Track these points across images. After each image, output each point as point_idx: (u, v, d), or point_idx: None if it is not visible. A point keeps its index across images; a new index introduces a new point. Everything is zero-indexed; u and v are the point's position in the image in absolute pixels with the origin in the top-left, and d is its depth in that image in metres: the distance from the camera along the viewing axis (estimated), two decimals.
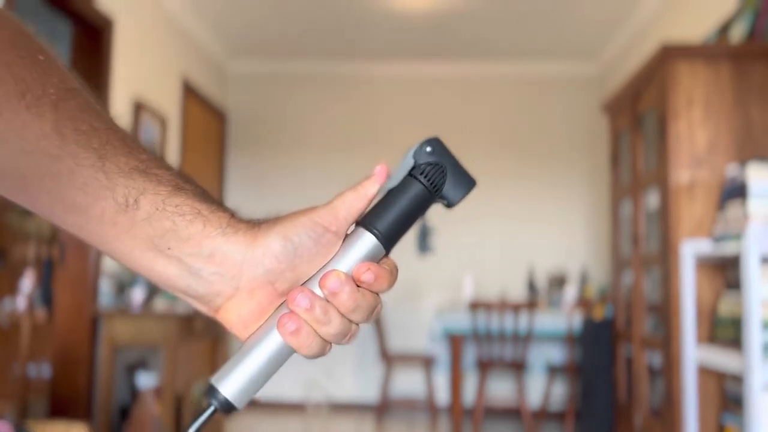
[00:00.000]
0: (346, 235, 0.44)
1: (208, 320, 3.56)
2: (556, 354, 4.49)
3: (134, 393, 3.33)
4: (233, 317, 0.43)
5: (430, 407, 4.47)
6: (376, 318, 0.45)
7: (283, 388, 4.91)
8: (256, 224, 0.42)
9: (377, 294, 0.44)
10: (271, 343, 0.42)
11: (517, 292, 4.80)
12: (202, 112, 4.67)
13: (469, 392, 4.64)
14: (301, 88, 5.17)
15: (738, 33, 2.79)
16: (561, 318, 3.89)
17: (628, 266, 3.16)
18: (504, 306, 3.77)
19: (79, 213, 0.39)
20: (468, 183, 0.47)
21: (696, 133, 2.51)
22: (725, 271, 2.49)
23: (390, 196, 0.45)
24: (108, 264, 3.35)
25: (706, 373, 2.44)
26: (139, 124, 3.64)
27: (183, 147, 4.29)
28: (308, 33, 4.61)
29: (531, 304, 3.80)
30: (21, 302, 3.11)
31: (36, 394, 3.44)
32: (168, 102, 4.08)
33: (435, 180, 0.46)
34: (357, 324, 0.44)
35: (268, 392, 4.91)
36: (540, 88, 5.06)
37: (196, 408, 3.50)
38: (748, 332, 1.98)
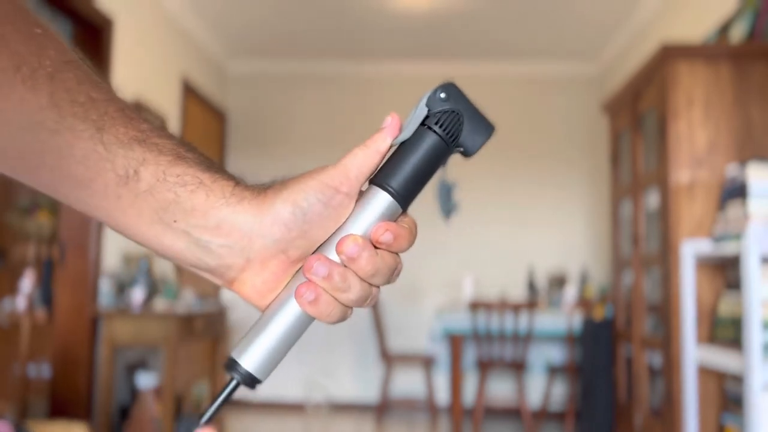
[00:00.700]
0: (360, 195, 0.42)
1: (208, 320, 3.56)
2: (556, 354, 4.49)
3: (134, 393, 3.33)
4: (248, 289, 0.42)
5: (430, 407, 4.47)
6: (395, 279, 0.43)
7: (283, 388, 4.91)
8: (262, 190, 0.41)
9: (397, 254, 0.42)
10: (290, 312, 0.41)
11: (517, 292, 4.80)
12: (201, 112, 4.67)
13: (469, 392, 4.64)
14: (301, 88, 5.17)
15: (738, 33, 2.79)
16: (561, 318, 3.89)
17: (628, 266, 3.16)
18: (504, 306, 3.77)
19: (82, 188, 0.38)
20: (486, 129, 0.44)
21: (696, 133, 2.51)
22: (725, 271, 2.49)
23: (403, 149, 0.42)
24: (108, 264, 3.35)
25: (706, 373, 2.44)
26: None
27: None
28: (308, 33, 4.61)
29: (531, 304, 3.80)
30: (21, 302, 3.11)
31: (36, 394, 3.44)
32: (168, 102, 4.08)
33: (451, 129, 0.42)
34: (378, 287, 0.42)
35: (268, 392, 4.91)
36: (540, 88, 5.06)
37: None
38: (748, 332, 1.98)
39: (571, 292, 4.14)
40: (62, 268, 3.22)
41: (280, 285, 0.42)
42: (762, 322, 1.97)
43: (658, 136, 2.64)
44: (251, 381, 0.41)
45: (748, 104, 2.50)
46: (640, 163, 2.96)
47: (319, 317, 0.41)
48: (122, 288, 3.34)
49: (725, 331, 2.35)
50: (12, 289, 3.49)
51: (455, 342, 3.88)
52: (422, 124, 0.42)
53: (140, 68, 3.75)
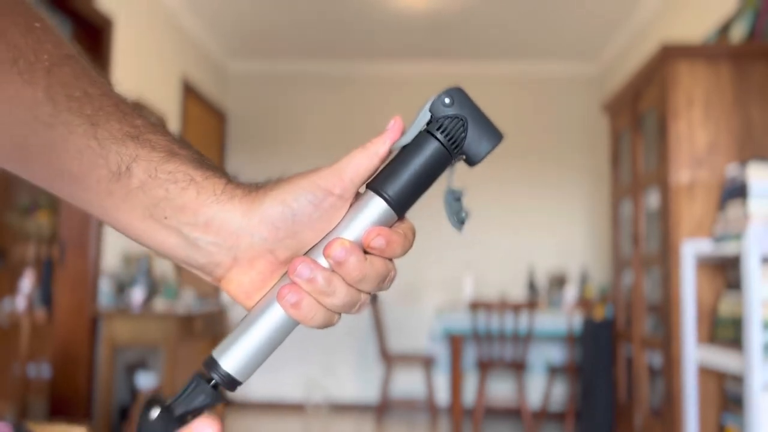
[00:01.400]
0: (356, 198, 0.41)
1: (207, 320, 3.56)
2: (556, 354, 4.49)
3: (134, 393, 3.33)
4: (234, 287, 0.41)
5: (430, 407, 4.47)
6: (388, 286, 0.42)
7: (283, 388, 4.91)
8: (254, 189, 0.40)
9: (390, 260, 0.41)
10: (273, 315, 0.40)
11: (517, 292, 4.80)
12: (201, 112, 4.67)
13: (469, 392, 4.64)
14: (301, 88, 5.16)
15: (738, 33, 2.79)
16: (561, 318, 3.89)
17: (628, 266, 3.16)
18: (504, 306, 3.77)
19: (76, 183, 0.38)
20: (493, 138, 0.42)
21: (696, 133, 2.51)
22: (725, 271, 2.49)
23: (403, 154, 0.41)
24: (108, 264, 3.35)
25: (706, 373, 2.44)
26: None
27: None
28: (308, 33, 4.61)
29: (531, 304, 3.80)
30: (21, 302, 3.11)
31: (36, 394, 3.44)
32: (168, 102, 4.08)
33: (454, 135, 0.41)
34: (368, 293, 0.41)
35: (268, 392, 4.91)
36: (540, 88, 5.06)
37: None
38: (748, 332, 1.98)
39: (571, 292, 4.14)
40: (62, 268, 3.22)
41: (267, 285, 0.41)
42: (762, 322, 1.97)
43: (658, 136, 2.64)
44: (230, 383, 0.40)
45: (748, 104, 2.50)
46: (640, 163, 2.96)
47: (302, 321, 0.40)
48: (122, 288, 3.34)
49: (725, 331, 2.35)
50: (12, 289, 3.49)
51: (455, 342, 3.88)
52: (425, 129, 0.41)
53: (140, 68, 3.75)
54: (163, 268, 3.75)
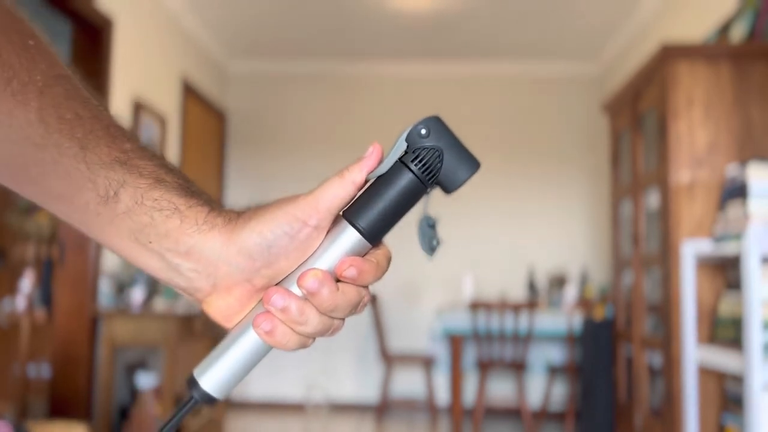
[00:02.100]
0: (332, 225, 0.42)
1: (207, 320, 3.55)
2: (556, 354, 4.49)
3: (134, 393, 3.33)
4: (214, 310, 0.43)
5: (430, 407, 4.47)
6: (362, 311, 0.43)
7: (283, 388, 4.91)
8: (234, 218, 0.41)
9: (363, 287, 0.43)
10: (249, 339, 0.42)
11: (517, 292, 4.80)
12: (201, 112, 4.67)
13: (469, 392, 4.64)
14: (301, 88, 5.16)
15: (738, 33, 2.79)
16: (561, 318, 3.89)
17: (628, 266, 3.16)
18: (504, 306, 3.77)
19: (63, 202, 0.39)
20: (470, 166, 0.42)
21: (696, 133, 2.51)
22: (725, 271, 2.49)
23: (378, 184, 0.41)
24: (108, 264, 3.35)
25: (706, 373, 2.44)
26: (139, 124, 3.64)
27: (183, 147, 4.28)
28: (308, 33, 4.61)
29: (531, 304, 3.80)
30: (21, 302, 3.11)
31: (36, 394, 3.44)
32: (168, 102, 4.08)
33: (429, 167, 0.41)
34: (341, 319, 0.43)
35: (268, 392, 4.91)
36: (540, 88, 5.06)
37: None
38: (748, 332, 1.98)
39: (571, 292, 4.14)
40: (62, 268, 3.22)
41: (244, 310, 0.43)
42: (762, 322, 1.97)
43: (658, 136, 2.64)
44: (208, 400, 0.42)
45: (748, 104, 2.50)
46: (640, 163, 2.96)
47: (276, 346, 0.42)
48: (122, 288, 3.34)
49: (725, 331, 2.35)
50: (12, 289, 3.49)
51: (455, 342, 3.88)
52: (400, 159, 0.42)
53: (140, 68, 3.75)
54: None
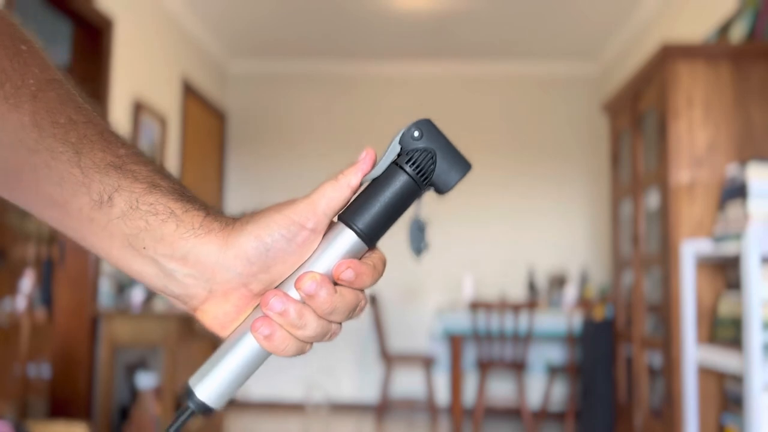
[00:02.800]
0: (328, 228, 0.42)
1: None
2: (556, 354, 4.49)
3: (134, 393, 3.33)
4: (210, 318, 0.42)
5: (430, 407, 4.47)
6: (360, 315, 0.43)
7: (283, 388, 4.91)
8: (230, 222, 0.41)
9: (360, 291, 0.42)
10: (247, 345, 0.41)
11: (517, 292, 4.80)
12: (201, 112, 4.67)
13: (469, 392, 4.64)
14: (301, 88, 5.17)
15: (738, 33, 2.79)
16: (561, 318, 3.89)
17: (628, 266, 3.16)
18: (504, 306, 3.77)
19: (57, 208, 0.39)
20: (462, 168, 0.43)
21: (696, 133, 2.51)
22: (725, 271, 2.49)
23: (374, 186, 0.42)
24: (108, 264, 3.34)
25: (706, 373, 2.44)
26: (139, 124, 3.64)
27: (183, 147, 4.29)
28: (308, 33, 4.61)
29: (531, 304, 3.80)
30: (21, 302, 3.11)
31: (36, 394, 3.44)
32: (168, 102, 4.08)
33: (423, 168, 0.42)
34: (338, 323, 0.42)
35: (268, 392, 4.91)
36: (540, 88, 5.06)
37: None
38: (748, 332, 1.98)
39: (571, 292, 4.14)
40: (62, 268, 3.22)
41: (241, 317, 0.42)
42: (762, 322, 1.97)
43: (658, 136, 2.64)
44: (205, 410, 0.42)
45: (748, 104, 2.50)
46: (640, 163, 2.96)
47: (274, 352, 0.41)
48: (122, 288, 3.34)
49: (725, 331, 2.35)
50: (12, 289, 3.49)
51: (455, 342, 3.88)
52: (394, 162, 0.42)
53: (140, 68, 3.75)
54: None
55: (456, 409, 3.86)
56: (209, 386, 0.41)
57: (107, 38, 3.33)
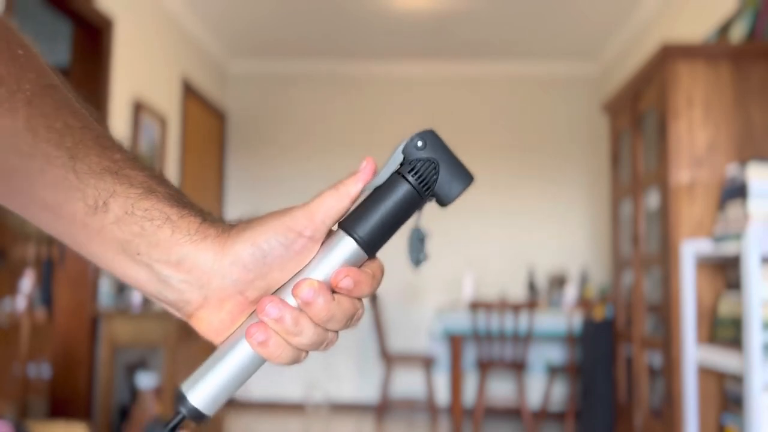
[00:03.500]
0: (327, 236, 0.42)
1: None
2: (556, 354, 4.49)
3: (134, 393, 3.33)
4: (204, 326, 0.42)
5: (430, 407, 4.47)
6: (356, 324, 0.42)
7: (283, 388, 4.91)
8: (227, 229, 0.41)
9: (358, 300, 0.42)
10: (241, 352, 0.41)
11: (517, 292, 4.80)
12: (201, 112, 4.67)
13: (470, 392, 4.64)
14: (301, 88, 5.17)
15: (738, 33, 2.79)
16: (561, 318, 3.89)
17: (628, 266, 3.16)
18: (504, 306, 3.77)
19: (50, 213, 0.38)
20: (464, 179, 0.43)
21: (696, 133, 2.51)
22: (725, 271, 2.48)
23: (375, 195, 0.42)
24: None
25: (706, 373, 2.44)
26: (139, 124, 3.64)
27: (183, 147, 4.29)
28: (308, 33, 4.61)
29: (531, 304, 3.80)
30: (21, 302, 3.11)
31: (36, 394, 3.44)
32: (168, 102, 4.08)
33: (425, 178, 0.42)
34: (335, 332, 0.42)
35: (268, 392, 4.91)
36: (540, 88, 5.06)
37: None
38: (748, 332, 1.98)
39: (571, 292, 4.14)
40: (62, 268, 3.22)
41: (236, 324, 0.42)
42: (762, 322, 1.97)
43: (658, 136, 2.64)
44: (197, 416, 0.41)
45: (748, 104, 2.50)
46: (640, 163, 2.96)
47: (269, 358, 0.41)
48: (122, 288, 3.34)
49: (725, 331, 2.35)
50: (12, 289, 3.49)
51: (455, 342, 3.88)
52: (397, 171, 0.42)
53: (140, 68, 3.75)
54: None
55: (456, 409, 3.86)
56: (202, 391, 0.41)
57: (107, 38, 3.33)
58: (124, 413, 3.31)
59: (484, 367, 3.90)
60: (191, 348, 3.40)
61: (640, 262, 2.96)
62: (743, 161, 2.31)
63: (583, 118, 4.98)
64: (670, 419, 2.55)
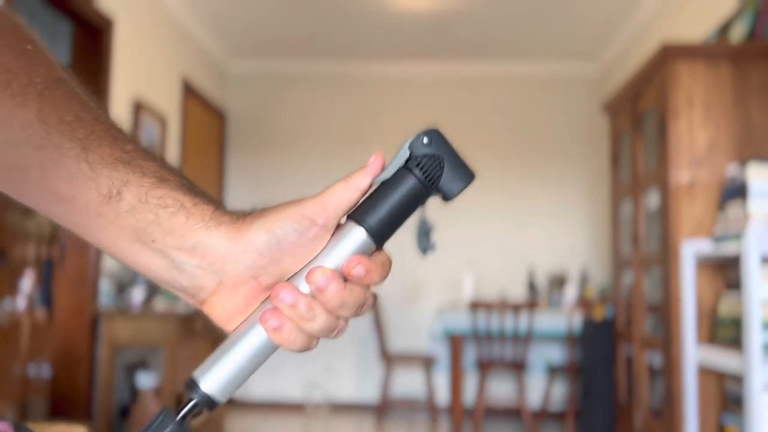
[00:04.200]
0: (337, 228, 0.43)
1: (208, 320, 3.55)
2: (556, 354, 4.49)
3: (134, 393, 3.33)
4: (218, 312, 0.43)
5: (430, 407, 4.47)
6: (366, 312, 0.44)
7: (283, 388, 4.91)
8: (240, 216, 0.41)
9: (368, 288, 0.43)
10: (255, 338, 0.41)
11: (517, 292, 4.80)
12: (201, 112, 4.67)
13: (470, 392, 4.64)
14: (301, 88, 5.17)
15: (738, 33, 2.79)
16: (561, 318, 3.89)
17: (628, 266, 3.16)
18: (504, 306, 3.77)
19: (64, 204, 0.39)
20: (467, 176, 0.45)
21: (696, 133, 2.51)
22: (725, 271, 2.48)
23: (383, 188, 0.43)
24: (108, 264, 3.35)
25: (706, 373, 2.44)
26: (139, 124, 3.64)
27: (183, 147, 4.29)
28: (308, 33, 4.61)
29: (531, 304, 3.80)
30: (21, 302, 3.11)
31: (36, 394, 3.44)
32: (168, 102, 4.08)
33: (431, 173, 0.44)
34: (345, 319, 0.43)
35: (268, 392, 4.91)
36: (540, 88, 5.06)
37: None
38: (748, 332, 1.98)
39: (571, 292, 4.14)
40: (62, 268, 3.22)
41: (249, 310, 0.42)
42: (762, 322, 1.97)
43: (658, 136, 2.64)
44: (210, 403, 0.41)
45: (748, 104, 2.50)
46: (640, 163, 2.96)
47: (282, 344, 0.41)
48: (122, 288, 3.34)
49: (725, 331, 2.35)
50: (12, 289, 3.49)
51: (455, 342, 3.88)
52: (404, 166, 0.44)
53: (140, 68, 3.75)
54: None
55: (456, 409, 3.86)
56: (214, 378, 0.41)
57: (107, 38, 3.33)
58: (124, 413, 3.31)
59: (484, 367, 3.90)
60: (191, 348, 3.40)
61: (640, 262, 2.96)
62: (743, 161, 2.31)
63: (583, 118, 4.98)
64: (670, 419, 2.55)
